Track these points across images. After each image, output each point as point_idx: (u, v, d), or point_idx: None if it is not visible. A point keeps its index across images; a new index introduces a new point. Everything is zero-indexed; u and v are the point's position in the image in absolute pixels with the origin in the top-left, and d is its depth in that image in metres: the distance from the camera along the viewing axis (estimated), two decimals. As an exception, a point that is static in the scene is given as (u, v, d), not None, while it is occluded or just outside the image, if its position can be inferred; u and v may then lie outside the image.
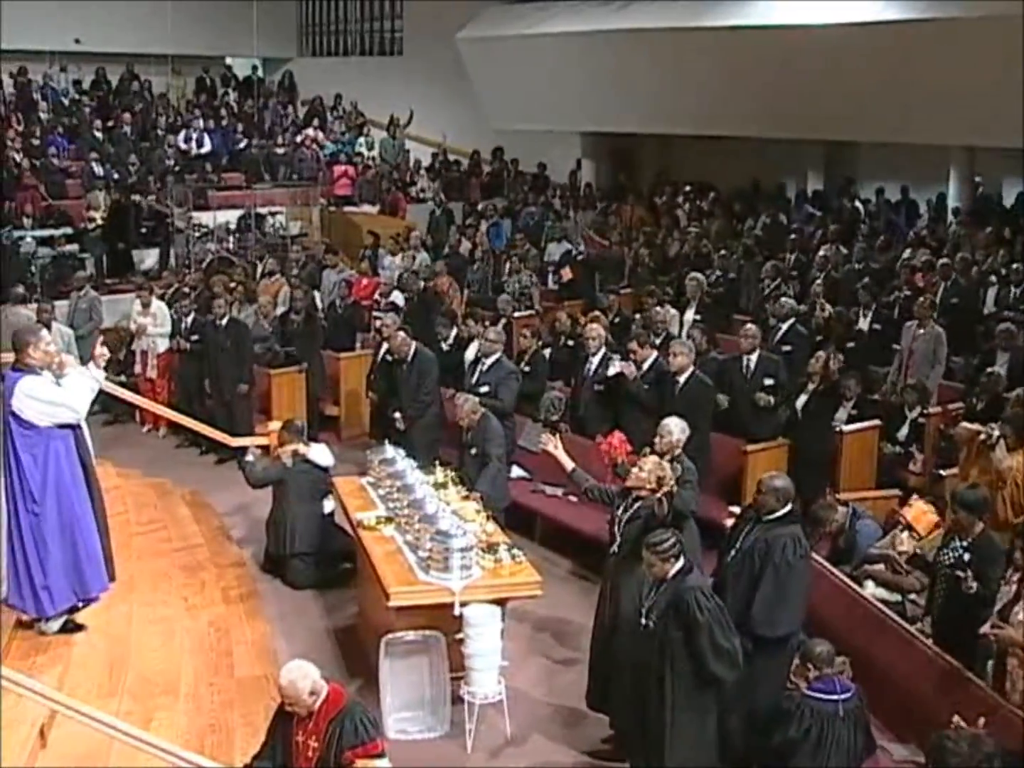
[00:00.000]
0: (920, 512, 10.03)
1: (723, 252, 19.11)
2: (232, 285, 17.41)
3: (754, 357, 12.73)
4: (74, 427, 9.04)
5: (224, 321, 15.14)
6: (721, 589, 8.15)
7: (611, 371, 12.67)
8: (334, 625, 10.79)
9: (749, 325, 13.16)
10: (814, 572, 9.27)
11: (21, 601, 8.94)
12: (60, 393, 8.80)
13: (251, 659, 9.77)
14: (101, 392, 9.63)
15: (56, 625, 9.09)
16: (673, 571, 7.62)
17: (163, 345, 16.22)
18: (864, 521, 10.28)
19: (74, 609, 9.21)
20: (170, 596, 10.60)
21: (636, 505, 8.58)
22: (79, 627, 9.22)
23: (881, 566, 9.74)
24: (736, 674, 7.53)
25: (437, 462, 11.18)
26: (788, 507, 8.39)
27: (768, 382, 12.56)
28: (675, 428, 9.45)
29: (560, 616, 10.93)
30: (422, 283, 17.46)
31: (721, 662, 7.41)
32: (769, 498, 8.35)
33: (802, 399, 12.51)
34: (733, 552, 8.49)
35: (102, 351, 9.44)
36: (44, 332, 9.29)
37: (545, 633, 10.73)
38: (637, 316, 15.42)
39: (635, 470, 8.71)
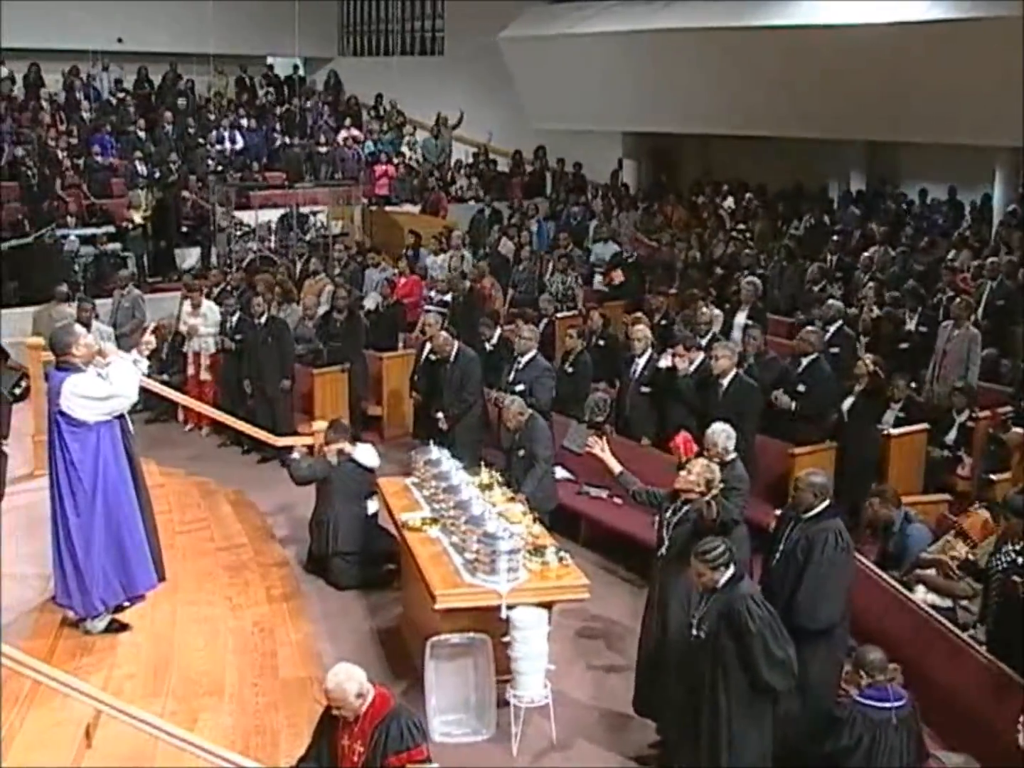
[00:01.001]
0: (979, 520, 9.87)
1: (749, 251, 18.94)
2: (277, 283, 17.33)
3: (805, 361, 12.56)
4: (121, 417, 9.04)
5: (263, 319, 15.11)
6: (768, 592, 8.02)
7: (663, 363, 12.60)
8: (378, 626, 10.71)
9: (809, 328, 13.01)
10: (863, 576, 9.18)
11: (68, 599, 8.92)
12: (108, 387, 8.78)
13: (295, 660, 9.71)
14: (143, 390, 9.58)
15: (102, 625, 9.08)
16: (723, 580, 7.46)
17: (214, 345, 16.21)
18: (915, 525, 10.13)
19: (120, 608, 9.18)
20: (214, 596, 10.55)
21: (685, 508, 8.46)
22: (124, 627, 9.20)
23: (932, 571, 9.58)
24: (791, 683, 7.39)
25: (483, 463, 11.07)
26: (826, 503, 8.35)
27: (800, 388, 12.38)
28: (720, 437, 9.36)
29: (606, 618, 10.85)
30: (468, 283, 17.33)
31: (775, 672, 7.26)
32: (807, 494, 8.32)
33: (848, 401, 12.33)
34: (777, 555, 8.43)
35: (149, 339, 9.44)
36: (78, 327, 9.28)
37: (590, 636, 10.63)
38: (677, 317, 15.30)
39: (683, 473, 8.60)
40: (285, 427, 14.37)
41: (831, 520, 8.28)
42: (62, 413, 8.68)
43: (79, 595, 8.85)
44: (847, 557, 8.33)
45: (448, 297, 17.28)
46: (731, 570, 7.45)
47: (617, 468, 9.30)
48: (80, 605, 8.90)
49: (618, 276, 19.37)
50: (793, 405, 12.32)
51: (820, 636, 8.13)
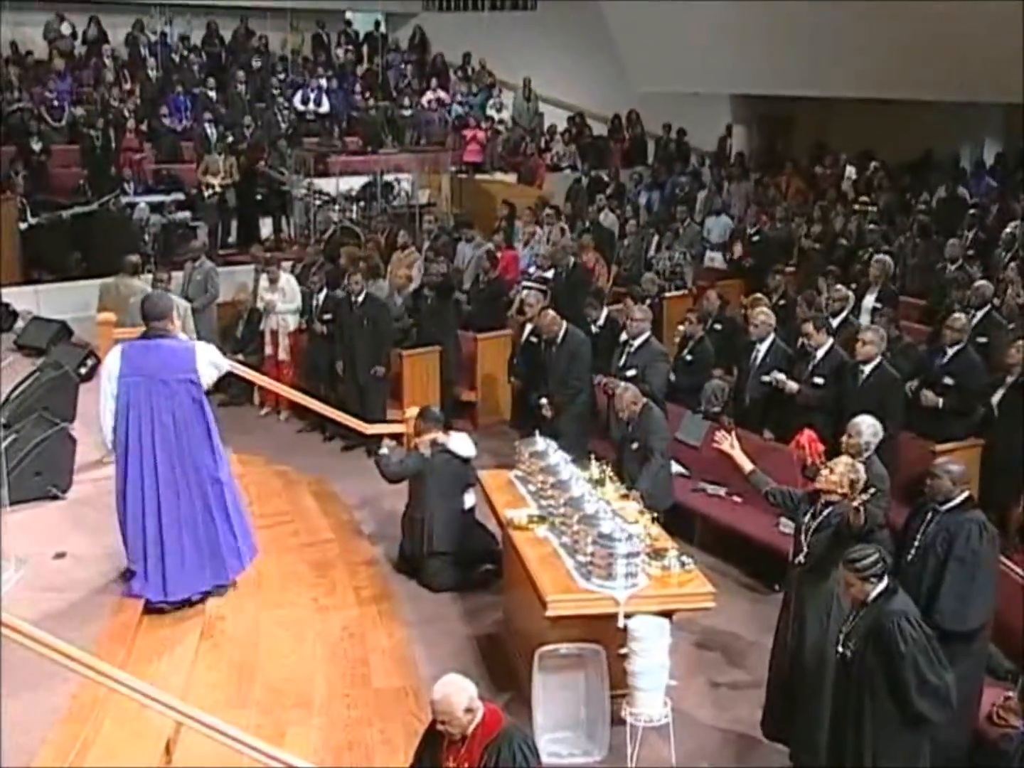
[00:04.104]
0: None
1: (872, 227, 18.52)
2: (359, 257, 17.18)
3: (951, 351, 12.15)
4: None
5: (361, 298, 14.92)
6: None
7: (765, 377, 12.32)
8: (476, 632, 10.55)
9: (957, 315, 12.58)
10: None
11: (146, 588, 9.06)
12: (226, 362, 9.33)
13: (388, 668, 9.61)
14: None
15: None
16: (874, 593, 7.18)
17: (294, 323, 16.16)
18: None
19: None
20: (300, 597, 10.48)
21: (826, 512, 8.20)
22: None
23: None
24: (947, 714, 7.09)
25: (592, 456, 10.85)
26: (966, 493, 8.23)
27: (947, 380, 11.99)
28: (866, 429, 9.17)
29: (726, 629, 10.61)
30: (572, 259, 17.13)
31: (927, 699, 6.97)
32: (944, 481, 8.18)
33: (998, 394, 11.87)
34: (912, 551, 8.27)
35: None
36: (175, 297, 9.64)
37: (710, 648, 10.40)
38: (799, 297, 14.94)
39: (825, 472, 8.33)
40: (376, 414, 14.26)
41: (973, 511, 8.16)
42: (192, 382, 8.93)
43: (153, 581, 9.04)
44: (992, 550, 8.17)
45: (549, 274, 17.05)
46: (884, 583, 7.18)
47: (748, 466, 9.11)
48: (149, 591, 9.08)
49: (744, 254, 18.94)
50: (940, 402, 11.95)
51: (961, 641, 7.93)
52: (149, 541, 8.96)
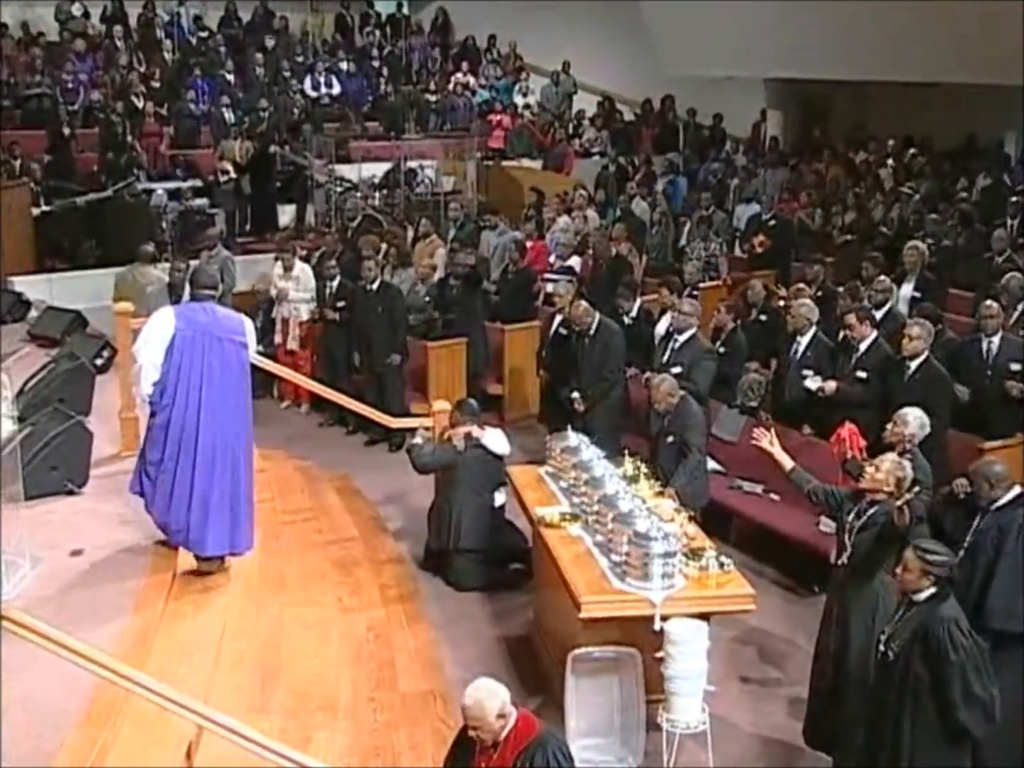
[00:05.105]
0: None
1: (934, 217, 18.36)
2: (383, 247, 17.12)
3: (996, 340, 12.05)
4: None
5: (375, 285, 14.91)
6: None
7: (807, 383, 12.18)
8: (504, 634, 10.49)
9: (990, 302, 12.45)
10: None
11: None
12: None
13: (415, 671, 9.55)
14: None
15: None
16: (926, 593, 7.05)
17: (306, 312, 16.11)
18: None
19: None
20: (324, 596, 10.44)
21: (871, 510, 8.11)
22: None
23: None
24: (990, 729, 6.95)
25: (626, 452, 10.76)
26: (1016, 491, 8.21)
27: (1015, 367, 11.85)
28: (912, 419, 9.17)
29: (763, 631, 10.55)
30: (614, 250, 17.03)
31: (973, 712, 6.83)
32: (982, 485, 8.22)
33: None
34: (962, 551, 8.19)
35: None
36: None
37: (747, 650, 10.33)
38: (841, 289, 14.83)
39: (870, 469, 8.25)
40: (395, 407, 14.15)
41: None
42: (243, 345, 9.49)
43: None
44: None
45: (571, 262, 16.95)
46: (936, 587, 7.05)
47: (789, 464, 9.01)
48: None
49: (760, 242, 18.76)
50: None
51: (1011, 648, 7.86)
52: (195, 496, 9.14)
